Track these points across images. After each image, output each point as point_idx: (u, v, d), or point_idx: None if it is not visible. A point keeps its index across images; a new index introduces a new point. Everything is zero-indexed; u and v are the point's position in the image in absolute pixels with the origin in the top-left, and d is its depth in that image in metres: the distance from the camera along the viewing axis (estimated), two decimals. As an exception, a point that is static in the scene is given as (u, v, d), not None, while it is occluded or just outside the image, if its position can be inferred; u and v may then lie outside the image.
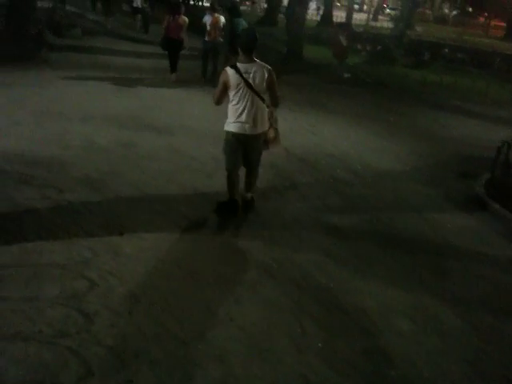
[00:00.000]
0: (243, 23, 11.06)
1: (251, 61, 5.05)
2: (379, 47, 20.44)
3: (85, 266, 4.21)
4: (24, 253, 4.28)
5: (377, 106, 12.16)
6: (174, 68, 11.93)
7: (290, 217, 5.65)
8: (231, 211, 5.45)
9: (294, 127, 9.18)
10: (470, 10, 56.47)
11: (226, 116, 5.27)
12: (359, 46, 21.20)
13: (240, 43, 5.10)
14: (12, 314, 3.55)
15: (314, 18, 33.02)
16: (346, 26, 16.64)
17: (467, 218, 6.33)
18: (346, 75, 15.08)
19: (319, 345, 3.66)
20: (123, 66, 12.92)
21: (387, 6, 55.07)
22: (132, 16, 21.21)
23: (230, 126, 5.19)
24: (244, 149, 5.27)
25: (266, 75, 5.02)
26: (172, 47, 11.71)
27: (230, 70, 5.03)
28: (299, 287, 4.32)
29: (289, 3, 18.14)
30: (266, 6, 34.05)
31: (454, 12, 54.80)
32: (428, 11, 54.56)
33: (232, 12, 11.36)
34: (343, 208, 6.07)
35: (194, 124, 8.46)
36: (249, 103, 5.06)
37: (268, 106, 5.29)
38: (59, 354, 3.25)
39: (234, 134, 5.17)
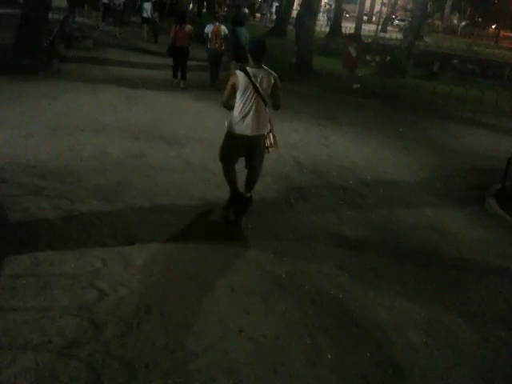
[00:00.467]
0: (245, 32, 11.75)
1: (259, 67, 5.35)
2: (388, 58, 20.45)
3: (95, 276, 4.21)
4: (35, 263, 4.29)
5: (387, 117, 12.15)
6: (176, 73, 12.43)
7: (301, 228, 5.63)
8: (238, 204, 5.68)
9: (304, 139, 9.19)
10: (480, 20, 56.49)
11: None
12: (368, 57, 21.24)
13: (250, 51, 5.40)
14: (23, 324, 3.55)
15: (323, 28, 33.12)
16: (356, 37, 16.64)
17: (480, 229, 6.27)
18: (355, 86, 15.08)
19: (329, 356, 3.62)
20: (134, 77, 13.01)
21: (396, 17, 55.16)
22: (141, 27, 21.59)
23: (234, 127, 5.41)
24: (246, 151, 5.50)
25: (272, 81, 5.33)
26: (180, 56, 12.12)
27: (239, 73, 5.31)
28: (311, 299, 4.29)
29: (298, 14, 18.21)
30: (275, 17, 34.24)
31: (464, 23, 54.79)
32: (437, 22, 54.62)
33: (235, 22, 12.01)
34: (355, 220, 6.04)
35: (205, 134, 8.46)
36: (254, 106, 5.31)
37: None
38: (69, 363, 3.24)
39: (237, 136, 5.40)
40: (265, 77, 5.30)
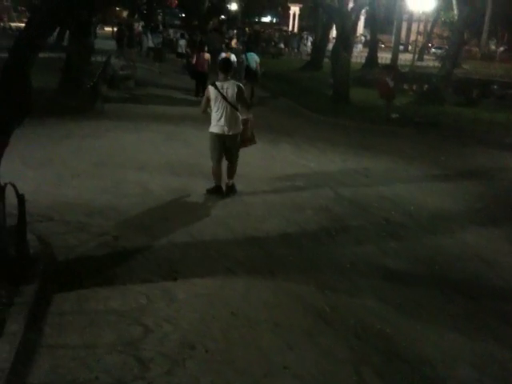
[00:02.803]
0: (255, 57, 15.84)
1: (226, 79, 6.82)
2: (426, 86, 20.26)
3: (140, 313, 4.26)
4: (81, 300, 4.38)
5: (427, 146, 11.98)
6: (198, 93, 15.43)
7: (343, 261, 5.56)
8: (218, 193, 7.12)
9: (343, 170, 9.15)
10: (519, 45, 55.62)
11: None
12: (406, 86, 21.08)
13: (219, 67, 6.99)
14: (70, 361, 3.61)
15: (359, 60, 33.19)
16: (392, 67, 16.58)
17: (529, 259, 6.06)
18: (393, 116, 14.97)
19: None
20: (173, 115, 13.30)
21: (433, 45, 54.86)
22: (177, 62, 24.94)
23: (213, 128, 6.90)
24: (225, 147, 6.97)
25: (236, 90, 6.74)
26: (199, 78, 15.72)
27: (210, 88, 6.82)
28: (355, 334, 4.21)
29: (333, 47, 18.34)
30: (310, 50, 34.59)
31: (502, 48, 54.00)
32: (475, 48, 54.05)
33: (247, 49, 16.50)
34: (399, 251, 5.92)
35: (244, 169, 8.51)
36: (225, 111, 6.74)
37: (246, 121, 7.15)
38: (116, 402, 3.26)
39: (216, 135, 6.89)
40: (230, 86, 6.72)
